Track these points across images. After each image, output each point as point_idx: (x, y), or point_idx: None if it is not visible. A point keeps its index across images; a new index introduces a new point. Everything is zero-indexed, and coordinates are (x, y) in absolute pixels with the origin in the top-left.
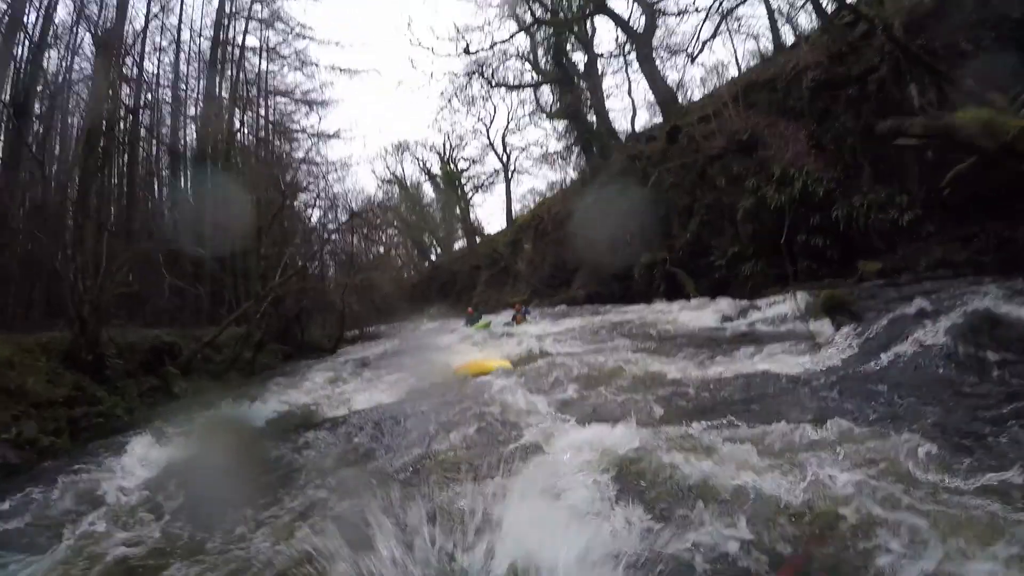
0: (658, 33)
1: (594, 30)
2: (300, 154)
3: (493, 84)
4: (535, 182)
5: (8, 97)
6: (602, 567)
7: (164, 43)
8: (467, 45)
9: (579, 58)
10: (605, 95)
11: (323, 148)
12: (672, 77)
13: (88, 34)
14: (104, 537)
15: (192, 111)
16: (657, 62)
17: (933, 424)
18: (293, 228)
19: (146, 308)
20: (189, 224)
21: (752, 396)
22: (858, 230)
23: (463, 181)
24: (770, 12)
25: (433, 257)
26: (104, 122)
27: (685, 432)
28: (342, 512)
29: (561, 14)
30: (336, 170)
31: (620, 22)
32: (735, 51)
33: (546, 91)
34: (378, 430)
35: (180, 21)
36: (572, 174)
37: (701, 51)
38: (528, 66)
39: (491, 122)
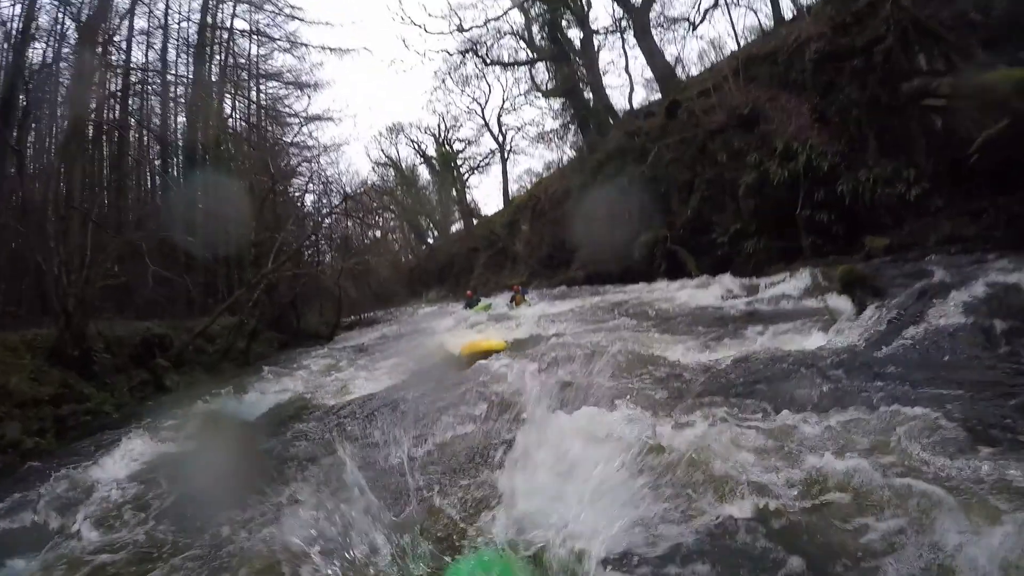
0: (655, 6)
1: (589, 5)
2: (291, 138)
3: (487, 62)
4: (532, 162)
5: None
6: (604, 542)
7: (150, 28)
8: (460, 22)
9: (575, 35)
10: (602, 72)
11: (315, 131)
12: (670, 52)
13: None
14: (86, 541)
15: (181, 98)
16: (655, 35)
17: (965, 408)
18: (286, 213)
19: (136, 301)
20: (180, 213)
21: (765, 377)
22: (864, 205)
23: (459, 162)
24: None
25: (430, 240)
26: (89, 111)
27: (692, 416)
28: (333, 505)
29: None
30: (329, 154)
31: None
32: (733, 26)
33: (541, 69)
34: (373, 420)
35: (167, 5)
36: (569, 153)
37: (703, 20)
38: (523, 44)
39: (486, 102)
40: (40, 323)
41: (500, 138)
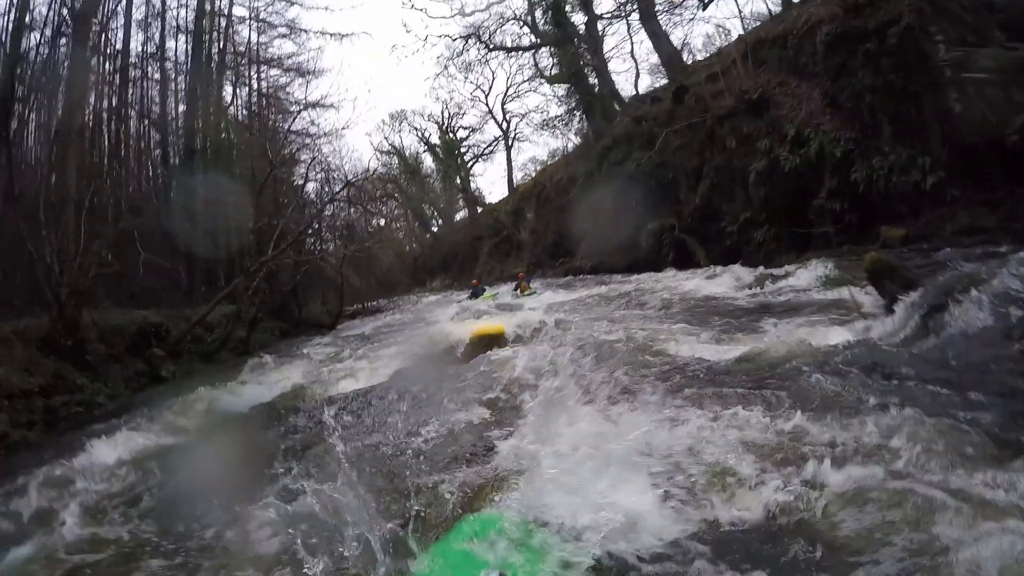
0: None
1: None
2: (292, 125)
3: (490, 48)
4: (536, 150)
5: None
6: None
7: (148, 17)
8: (462, 6)
9: (579, 20)
10: (606, 58)
11: (317, 118)
12: (676, 36)
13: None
14: (69, 537)
15: (181, 86)
16: (661, 19)
17: (1002, 418)
18: (287, 200)
19: (134, 290)
20: (179, 201)
21: (780, 374)
22: (878, 193)
23: (463, 150)
24: None
25: (434, 229)
26: (85, 99)
27: (700, 412)
28: (327, 497)
29: None
30: (330, 141)
31: None
32: (739, 10)
33: (545, 55)
34: (372, 411)
35: None
36: (574, 140)
37: (711, 1)
38: (526, 29)
39: (489, 89)
40: (35, 313)
41: (504, 125)
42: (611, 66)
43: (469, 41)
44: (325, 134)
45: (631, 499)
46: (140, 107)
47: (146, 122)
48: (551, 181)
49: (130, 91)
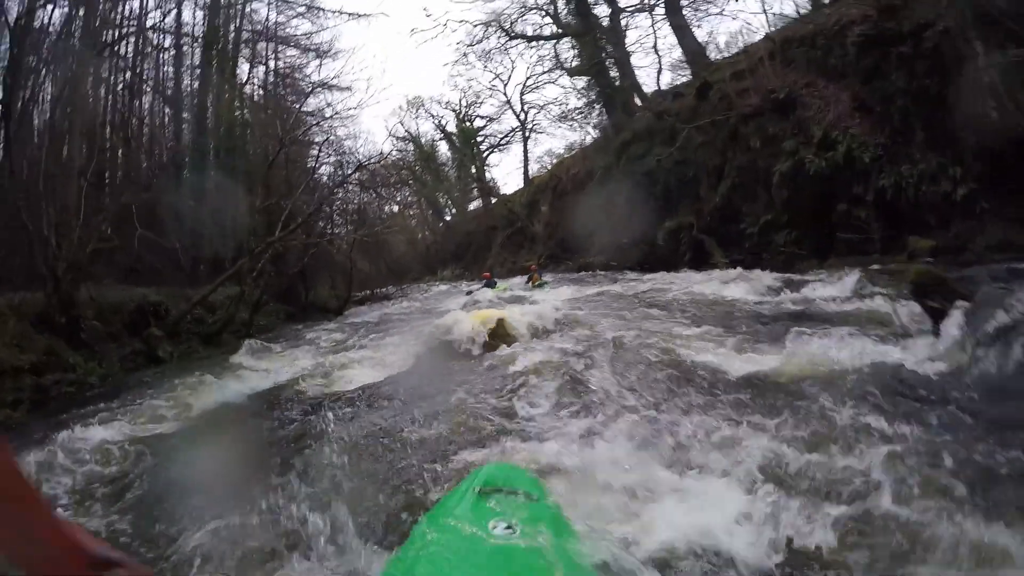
0: None
1: None
2: (307, 105)
3: (511, 36)
4: (553, 142)
5: None
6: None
7: None
8: None
9: (602, 12)
10: (629, 51)
11: (332, 100)
12: (701, 33)
13: None
14: None
15: (197, 61)
16: (686, 13)
17: None
18: (297, 180)
19: (137, 266)
20: (189, 178)
21: (812, 393)
22: (907, 202)
23: (479, 139)
24: None
25: (448, 218)
26: (91, 70)
27: (719, 433)
28: (319, 491)
29: None
30: (345, 123)
31: None
32: (764, 8)
33: (566, 47)
34: (372, 404)
35: None
36: (593, 134)
37: None
38: (548, 19)
39: (508, 79)
40: (34, 289)
41: (522, 116)
42: (633, 60)
43: (490, 28)
44: (338, 113)
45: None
46: (154, 82)
47: (159, 98)
48: (567, 174)
49: (145, 65)
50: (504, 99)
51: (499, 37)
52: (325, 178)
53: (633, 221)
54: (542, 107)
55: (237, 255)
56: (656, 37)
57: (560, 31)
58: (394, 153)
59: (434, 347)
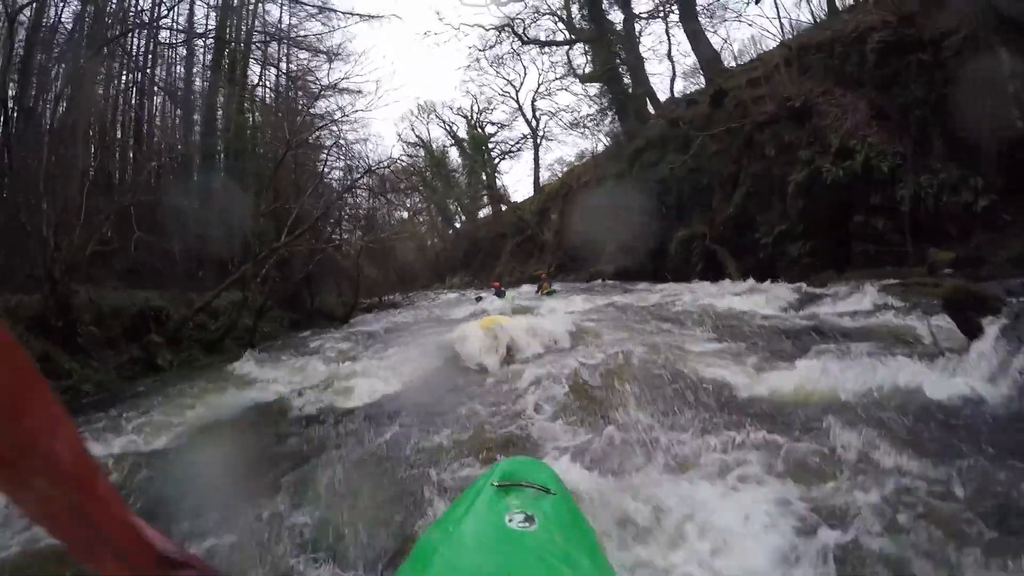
0: None
1: None
2: (316, 108)
3: (524, 40)
4: (564, 150)
5: None
6: None
7: None
8: None
9: (616, 18)
10: (643, 58)
11: (342, 103)
12: (716, 39)
13: None
14: (16, 549)
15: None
16: (702, 19)
17: None
18: (305, 184)
19: (140, 269)
20: (196, 180)
21: (840, 419)
22: (926, 212)
23: (490, 146)
24: None
25: (457, 225)
26: (99, 71)
27: (738, 466)
28: (319, 510)
29: None
30: (355, 128)
31: None
32: (778, 14)
33: (578, 53)
34: (379, 421)
35: None
36: (605, 141)
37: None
38: (561, 25)
39: (520, 85)
40: (30, 290)
41: (533, 123)
42: (647, 67)
43: (503, 33)
44: (347, 116)
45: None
46: (164, 82)
47: (168, 98)
48: (578, 182)
49: (155, 65)
50: (516, 105)
51: (512, 42)
52: (334, 183)
53: (645, 230)
54: (554, 114)
55: (243, 259)
56: (670, 44)
57: (573, 37)
58: (404, 158)
59: (442, 360)
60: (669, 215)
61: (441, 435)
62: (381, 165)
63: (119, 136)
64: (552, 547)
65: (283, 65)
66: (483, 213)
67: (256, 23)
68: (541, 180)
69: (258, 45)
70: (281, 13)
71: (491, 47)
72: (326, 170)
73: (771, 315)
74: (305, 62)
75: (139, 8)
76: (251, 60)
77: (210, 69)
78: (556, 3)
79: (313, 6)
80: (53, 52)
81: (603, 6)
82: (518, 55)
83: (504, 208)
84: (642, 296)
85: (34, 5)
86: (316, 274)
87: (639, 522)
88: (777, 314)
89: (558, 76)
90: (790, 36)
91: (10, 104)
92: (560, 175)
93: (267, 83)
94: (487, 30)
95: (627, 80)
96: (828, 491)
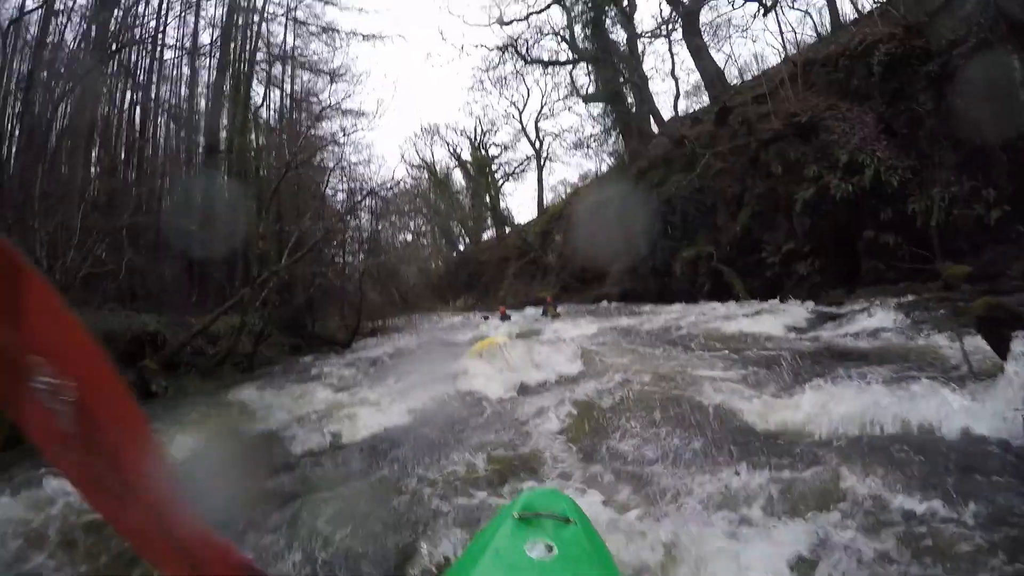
0: (706, 8)
1: (634, 7)
2: (319, 129)
3: (528, 60)
4: (567, 171)
5: None
6: None
7: (183, 11)
8: (501, 15)
9: (619, 37)
10: (646, 76)
11: (345, 124)
12: (720, 55)
13: None
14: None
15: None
16: (705, 36)
17: None
18: (306, 206)
19: (139, 292)
20: (196, 202)
21: (872, 453)
22: (937, 227)
23: (494, 168)
24: None
25: (461, 247)
26: (102, 91)
27: (756, 522)
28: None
29: None
30: (358, 150)
31: None
32: (781, 31)
33: (581, 73)
34: (381, 457)
35: None
36: (608, 162)
37: (765, 12)
38: (564, 45)
39: (524, 106)
40: None
41: (537, 144)
42: (650, 85)
43: (506, 53)
44: (348, 135)
45: None
46: (167, 102)
47: (167, 117)
48: (582, 203)
49: (159, 85)
50: (519, 126)
51: (515, 62)
52: (337, 205)
53: (650, 251)
54: (557, 135)
55: (244, 282)
56: (674, 62)
57: (576, 56)
58: (408, 180)
59: (447, 387)
60: (674, 235)
61: (451, 467)
62: (384, 187)
63: (121, 155)
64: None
65: (287, 86)
66: (487, 235)
67: (260, 43)
68: (545, 201)
69: (262, 67)
70: (286, 34)
71: (494, 67)
72: (329, 192)
73: (783, 337)
74: (309, 83)
75: (144, 20)
76: (255, 81)
77: (212, 89)
78: (559, 23)
79: (317, 26)
80: (55, 70)
81: (606, 25)
82: (521, 75)
83: (508, 230)
84: (648, 318)
85: (39, 23)
86: (318, 298)
87: (656, 555)
88: (789, 336)
89: (561, 96)
90: (794, 52)
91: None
92: (564, 196)
93: (271, 104)
94: (490, 50)
95: (630, 99)
96: (848, 535)
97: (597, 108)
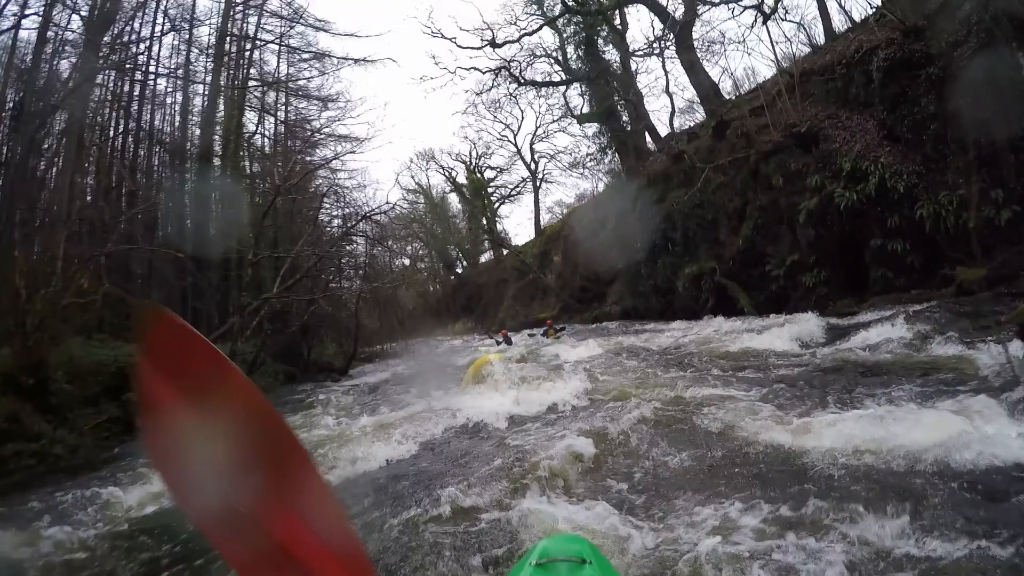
0: (698, 23)
1: (626, 26)
2: (312, 155)
3: (521, 82)
4: (563, 192)
5: None
6: None
7: (177, 40)
8: (493, 37)
9: (612, 57)
10: (641, 93)
11: (339, 150)
12: (715, 69)
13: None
14: None
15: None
16: (698, 51)
17: None
18: (299, 232)
19: (128, 323)
20: (188, 228)
21: (908, 482)
22: (946, 231)
23: (490, 191)
24: None
25: (459, 271)
26: (88, 113)
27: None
28: None
29: (592, 3)
30: (352, 176)
31: (656, 8)
32: (773, 44)
33: (575, 93)
34: (380, 493)
35: (192, 13)
36: (604, 180)
37: (773, 12)
38: (557, 67)
39: (518, 128)
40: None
41: (532, 166)
42: (645, 103)
43: (499, 76)
44: (341, 160)
45: None
46: (159, 129)
47: (157, 144)
48: (580, 223)
49: (150, 111)
50: (514, 149)
51: (508, 84)
52: (332, 230)
53: (651, 268)
54: (552, 156)
55: (235, 309)
56: (668, 79)
57: (569, 77)
58: (403, 205)
59: (447, 415)
60: (676, 251)
61: (448, 505)
62: (378, 211)
63: (114, 184)
64: None
65: (281, 114)
66: (484, 258)
67: (253, 71)
68: (542, 222)
69: (255, 94)
70: (279, 61)
71: (488, 90)
72: (323, 218)
73: (794, 352)
74: (304, 110)
75: (136, 59)
76: (248, 108)
77: (204, 116)
78: (551, 45)
79: (309, 52)
80: (45, 96)
81: (599, 45)
82: (515, 98)
83: (505, 252)
84: (652, 337)
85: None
86: (313, 324)
87: None
88: (800, 351)
89: (555, 118)
90: (789, 64)
91: None
92: (561, 216)
93: (265, 132)
94: (483, 73)
95: (625, 117)
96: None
97: (592, 128)
